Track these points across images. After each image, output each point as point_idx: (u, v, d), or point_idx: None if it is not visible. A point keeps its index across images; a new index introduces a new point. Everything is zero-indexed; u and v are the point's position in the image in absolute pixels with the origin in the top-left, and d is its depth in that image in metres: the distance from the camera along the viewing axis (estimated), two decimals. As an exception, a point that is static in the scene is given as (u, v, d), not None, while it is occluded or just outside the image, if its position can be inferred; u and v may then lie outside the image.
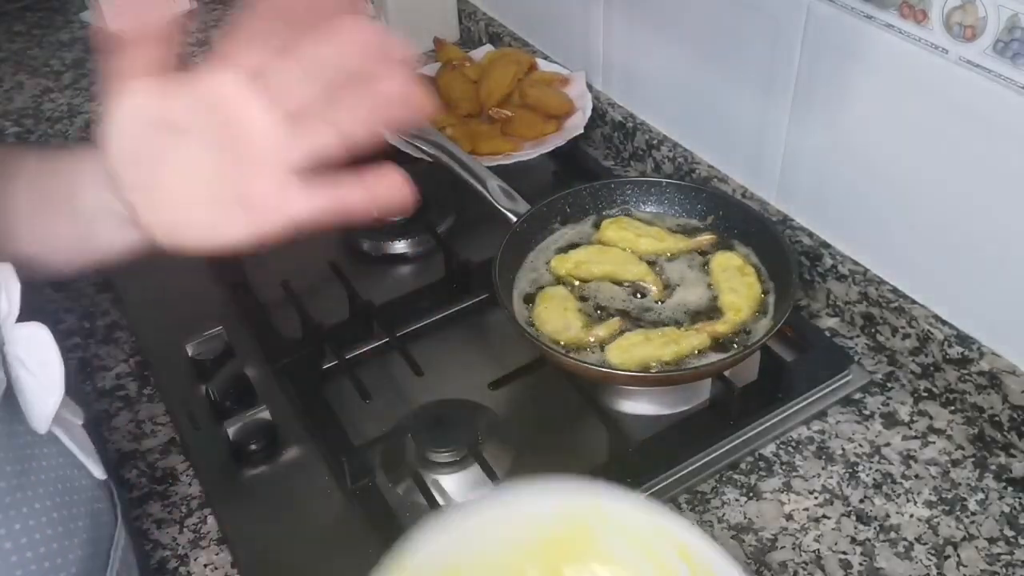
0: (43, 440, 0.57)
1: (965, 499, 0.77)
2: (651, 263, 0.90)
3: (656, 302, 0.87)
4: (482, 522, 0.58)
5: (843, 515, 0.77)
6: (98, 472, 0.62)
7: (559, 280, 0.89)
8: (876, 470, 0.80)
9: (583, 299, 0.87)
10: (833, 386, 0.85)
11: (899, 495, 0.78)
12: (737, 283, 0.87)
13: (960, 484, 0.79)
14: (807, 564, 0.74)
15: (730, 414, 0.81)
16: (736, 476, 0.80)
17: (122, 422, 0.87)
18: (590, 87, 1.18)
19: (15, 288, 0.55)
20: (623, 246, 0.92)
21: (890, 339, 0.89)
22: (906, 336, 0.87)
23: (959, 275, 0.82)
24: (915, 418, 0.84)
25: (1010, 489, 0.78)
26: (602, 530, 0.58)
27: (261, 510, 0.79)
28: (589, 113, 1.14)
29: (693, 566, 0.55)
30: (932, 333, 0.84)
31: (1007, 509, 0.76)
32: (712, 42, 0.99)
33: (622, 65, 1.15)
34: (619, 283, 0.89)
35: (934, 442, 0.82)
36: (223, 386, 0.85)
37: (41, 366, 0.55)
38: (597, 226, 0.94)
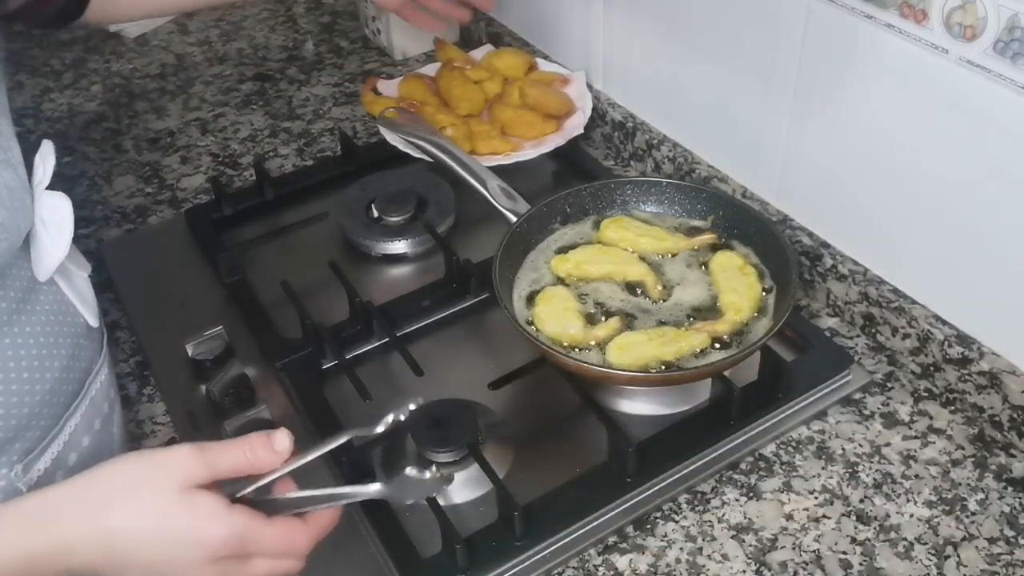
0: (46, 284, 0.70)
1: (965, 499, 0.77)
2: (651, 263, 0.90)
3: (656, 302, 0.87)
4: None
5: (843, 515, 0.77)
6: (92, 320, 0.75)
7: (559, 280, 0.89)
8: (876, 470, 0.80)
9: (583, 299, 0.87)
10: (833, 386, 0.85)
11: (899, 495, 0.78)
12: (737, 283, 0.87)
13: (960, 484, 0.79)
14: (807, 564, 0.73)
15: (730, 414, 0.81)
16: (736, 476, 0.80)
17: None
18: (590, 87, 1.18)
19: (51, 162, 0.70)
20: (623, 246, 0.92)
21: (890, 339, 0.89)
22: (906, 336, 0.87)
23: (959, 275, 0.82)
24: (915, 418, 0.84)
25: (1010, 489, 0.78)
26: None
27: (261, 510, 0.79)
28: (589, 113, 1.14)
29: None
30: (932, 333, 0.84)
31: (1007, 509, 0.76)
32: (712, 42, 0.99)
33: (622, 65, 1.15)
34: (619, 283, 0.89)
35: (934, 442, 0.82)
36: (223, 386, 0.85)
37: (56, 228, 0.69)
38: (597, 226, 0.94)
